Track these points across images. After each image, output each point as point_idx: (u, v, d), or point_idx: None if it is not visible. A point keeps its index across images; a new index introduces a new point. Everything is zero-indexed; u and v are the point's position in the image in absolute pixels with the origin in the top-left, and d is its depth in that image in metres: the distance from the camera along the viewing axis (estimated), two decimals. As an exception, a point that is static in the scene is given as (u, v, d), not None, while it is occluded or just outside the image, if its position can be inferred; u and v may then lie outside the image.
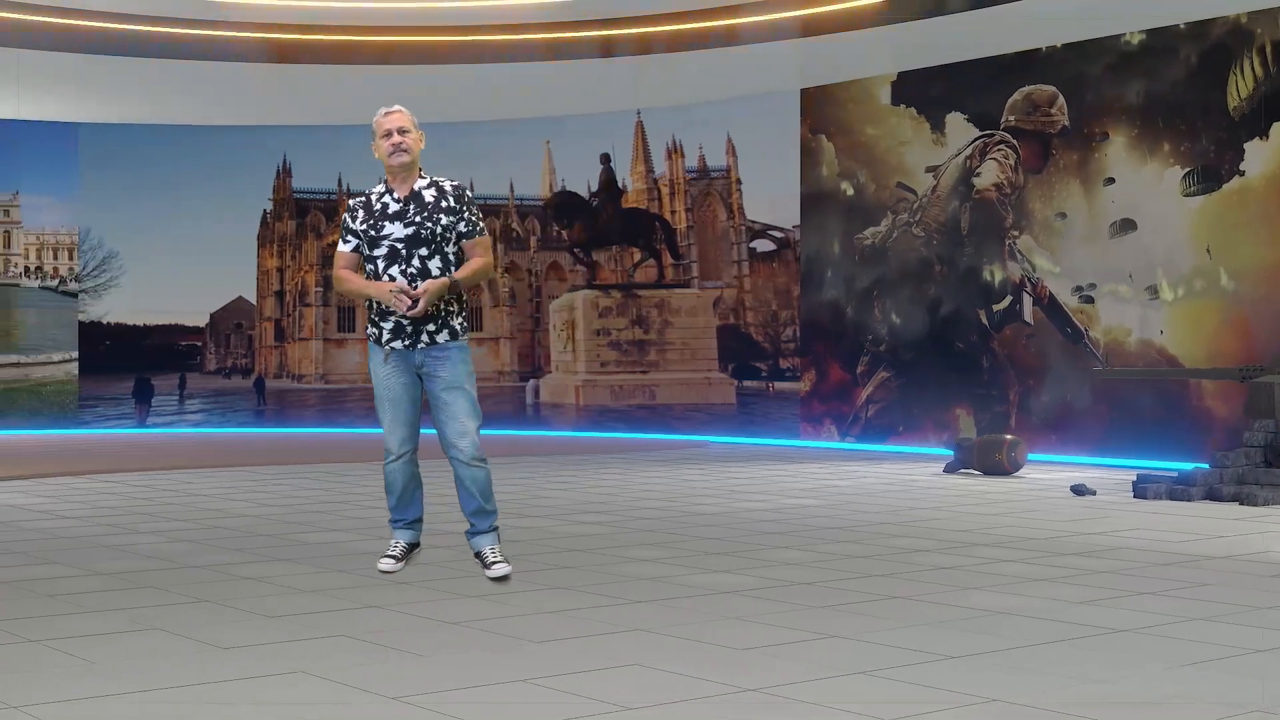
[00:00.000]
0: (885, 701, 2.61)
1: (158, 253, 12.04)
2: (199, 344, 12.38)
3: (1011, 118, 8.77)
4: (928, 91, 9.29)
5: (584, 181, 11.41)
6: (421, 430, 4.22)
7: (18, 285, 12.04)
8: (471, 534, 4.31)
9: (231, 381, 12.38)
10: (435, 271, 4.19)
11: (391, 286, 4.13)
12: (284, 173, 12.27)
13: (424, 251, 4.21)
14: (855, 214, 9.73)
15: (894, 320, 9.48)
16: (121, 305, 12.24)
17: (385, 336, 4.26)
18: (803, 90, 9.92)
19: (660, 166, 11.05)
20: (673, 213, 11.01)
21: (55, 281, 12.09)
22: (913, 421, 9.39)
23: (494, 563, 4.18)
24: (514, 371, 11.74)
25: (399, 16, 11.45)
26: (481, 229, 4.35)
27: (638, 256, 11.18)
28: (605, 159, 11.15)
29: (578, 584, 4.06)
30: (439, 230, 4.23)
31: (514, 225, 11.70)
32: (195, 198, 11.97)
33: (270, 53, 11.56)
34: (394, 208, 4.25)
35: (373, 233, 4.27)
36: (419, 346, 4.21)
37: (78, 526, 5.45)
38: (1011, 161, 8.69)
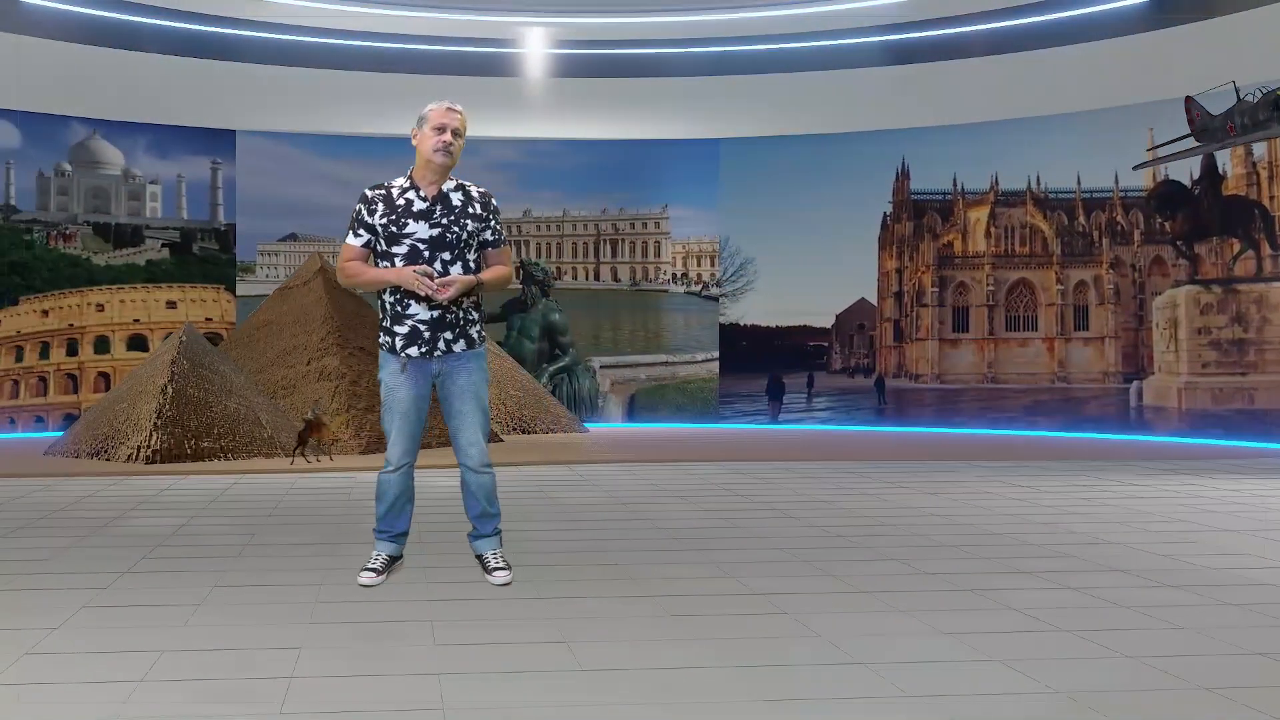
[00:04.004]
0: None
1: (788, 258, 20.08)
2: (825, 344, 20.25)
3: None
4: None
5: (1187, 170, 17.58)
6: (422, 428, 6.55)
7: (666, 291, 20.78)
8: (474, 537, 6.53)
9: (854, 380, 20.20)
10: (452, 275, 6.16)
11: (416, 269, 6.06)
12: (903, 175, 20.20)
13: (447, 255, 6.21)
14: None
15: None
16: (756, 308, 20.50)
17: (400, 344, 6.28)
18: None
19: (1259, 148, 16.47)
20: (1271, 198, 16.51)
21: (699, 287, 20.69)
22: None
23: (496, 569, 6.38)
24: (1118, 373, 18.16)
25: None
26: (505, 238, 6.36)
27: (1237, 248, 17.30)
28: (1204, 144, 17.54)
29: (593, 578, 6.65)
30: (464, 235, 6.21)
31: (1119, 219, 18.67)
32: (821, 204, 19.82)
33: (888, 55, 19.72)
34: (419, 206, 6.22)
35: (394, 229, 6.19)
36: (436, 355, 6.27)
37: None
38: None
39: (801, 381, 20.60)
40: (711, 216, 20.88)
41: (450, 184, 6.40)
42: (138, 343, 18.84)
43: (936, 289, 19.80)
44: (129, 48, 18.40)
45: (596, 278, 21.13)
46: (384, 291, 6.38)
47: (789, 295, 20.56)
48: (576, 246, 21.09)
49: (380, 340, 6.43)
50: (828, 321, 20.52)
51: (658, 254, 21.08)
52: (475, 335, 6.40)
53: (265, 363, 15.37)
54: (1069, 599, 6.45)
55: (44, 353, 18.30)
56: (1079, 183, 18.69)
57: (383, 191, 6.37)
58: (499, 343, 19.30)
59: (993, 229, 19.38)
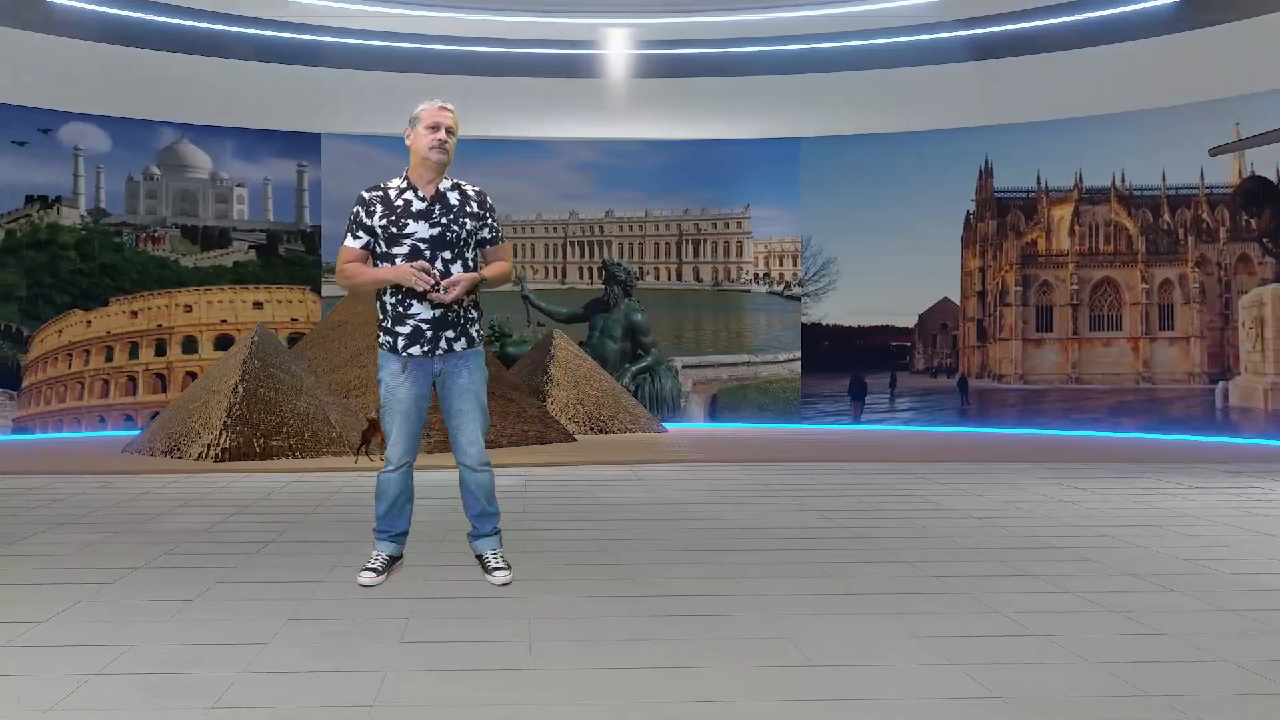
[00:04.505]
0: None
1: (870, 257, 19.97)
2: (908, 344, 20.12)
3: None
4: None
5: (1273, 165, 17.01)
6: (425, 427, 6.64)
7: (748, 291, 20.73)
8: (474, 536, 6.68)
9: (937, 381, 20.04)
10: (455, 274, 6.27)
11: (414, 265, 6.18)
12: (986, 174, 20.06)
13: (447, 254, 6.32)
14: None
15: None
16: (838, 308, 20.40)
17: (402, 344, 6.36)
18: None
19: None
20: (1358, 197, 16.48)
21: (780, 286, 20.62)
22: None
23: (496, 569, 6.54)
24: (1204, 373, 17.80)
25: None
26: (502, 235, 6.52)
27: (1321, 246, 17.09)
28: (1290, 139, 17.27)
29: (582, 575, 6.68)
30: (464, 234, 6.35)
31: (1204, 216, 18.34)
32: (903, 203, 19.70)
33: (969, 51, 19.52)
34: (418, 206, 6.34)
35: (394, 229, 6.29)
36: (437, 354, 6.36)
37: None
38: None
39: (884, 382, 20.46)
40: (793, 216, 20.80)
41: (446, 183, 6.47)
42: (225, 343, 19.14)
43: (1020, 288, 19.53)
44: (217, 54, 18.72)
45: (678, 278, 21.13)
46: (384, 292, 6.44)
47: (871, 295, 20.41)
48: (658, 246, 21.10)
49: (380, 340, 6.48)
50: (910, 321, 20.35)
51: (739, 254, 21.03)
52: (475, 334, 6.46)
53: (339, 362, 15.54)
54: (1062, 603, 6.37)
55: (133, 352, 18.66)
56: (1164, 179, 18.31)
57: (380, 193, 6.42)
58: (580, 343, 19.33)
59: (1077, 227, 19.08)
